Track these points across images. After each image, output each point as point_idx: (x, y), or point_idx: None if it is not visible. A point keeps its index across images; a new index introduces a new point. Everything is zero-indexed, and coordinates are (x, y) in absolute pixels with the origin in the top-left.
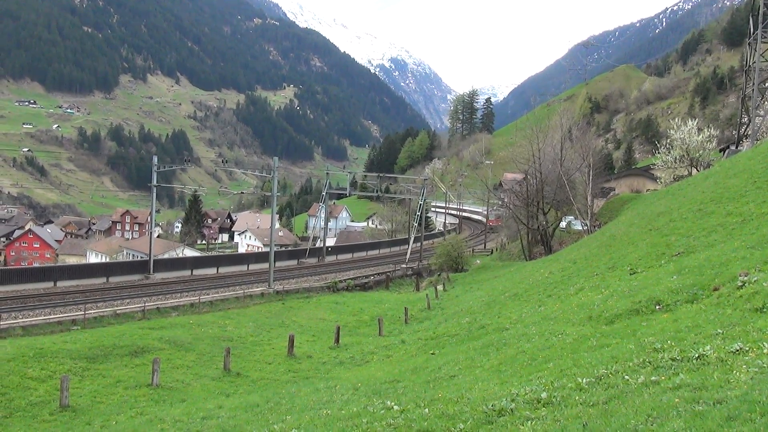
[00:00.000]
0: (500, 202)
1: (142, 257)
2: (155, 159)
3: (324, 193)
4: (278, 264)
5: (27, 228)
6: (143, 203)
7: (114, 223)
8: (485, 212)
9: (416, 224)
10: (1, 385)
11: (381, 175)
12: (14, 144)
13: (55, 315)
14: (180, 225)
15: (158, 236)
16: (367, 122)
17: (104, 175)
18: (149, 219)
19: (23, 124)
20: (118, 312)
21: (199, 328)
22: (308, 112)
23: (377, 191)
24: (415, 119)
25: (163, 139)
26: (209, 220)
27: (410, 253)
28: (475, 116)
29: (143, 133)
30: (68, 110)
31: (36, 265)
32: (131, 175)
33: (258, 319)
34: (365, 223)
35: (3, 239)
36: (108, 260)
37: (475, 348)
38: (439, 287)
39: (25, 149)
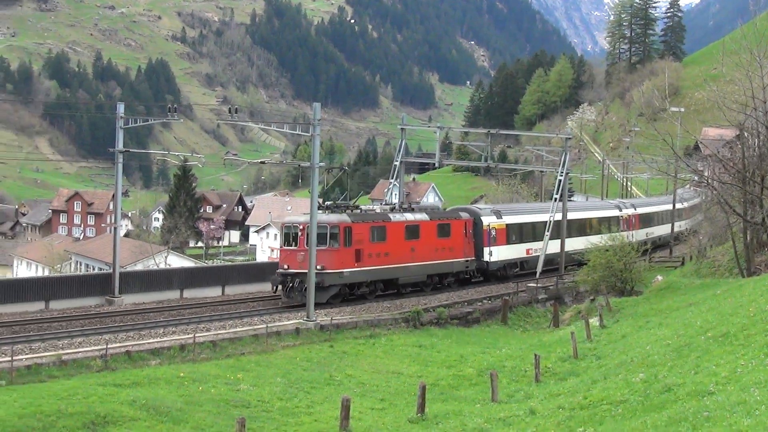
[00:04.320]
0: (696, 179)
1: (101, 269)
2: (121, 108)
3: (397, 163)
4: None
5: None
6: (102, 181)
7: (56, 212)
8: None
9: (552, 215)
10: None
11: (492, 131)
12: None
13: (6, 356)
14: (162, 216)
15: (126, 235)
16: (468, 44)
17: (39, 134)
18: (112, 207)
19: None
20: (64, 358)
21: (195, 385)
22: (369, 28)
23: (486, 159)
24: (548, 38)
25: (132, 76)
26: (209, 209)
27: (543, 263)
28: (651, 31)
29: (100, 65)
30: None
31: None
32: (82, 135)
33: (291, 371)
34: None
35: None
36: (48, 274)
37: (657, 425)
38: (593, 321)
39: None
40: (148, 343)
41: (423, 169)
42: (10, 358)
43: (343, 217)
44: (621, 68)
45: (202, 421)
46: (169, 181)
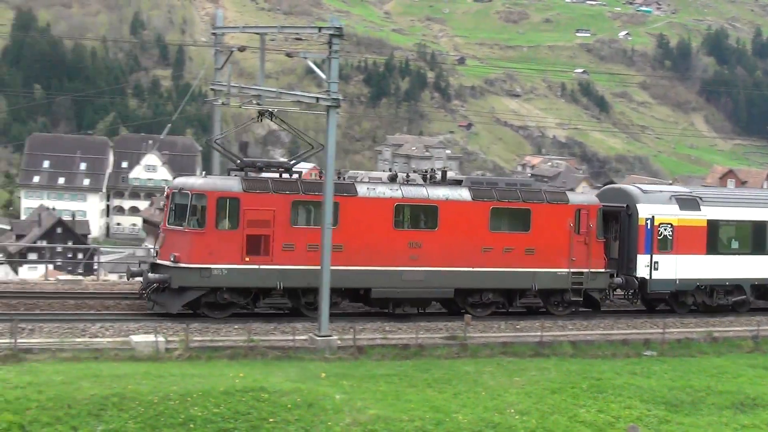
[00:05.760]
0: None
1: None
2: None
3: None
4: None
5: None
6: (755, 159)
7: None
8: None
9: None
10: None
11: None
12: (564, 62)
13: (658, 328)
14: None
15: None
16: None
17: (695, 111)
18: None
19: (576, 31)
20: (715, 335)
21: None
22: None
23: None
24: None
25: None
26: None
27: None
28: None
29: (759, 41)
30: (642, 8)
31: None
32: (738, 112)
33: None
34: None
35: None
36: None
37: None
38: None
39: (578, 70)
40: None
41: None
42: (662, 330)
43: (222, 182)
44: None
45: None
46: None
